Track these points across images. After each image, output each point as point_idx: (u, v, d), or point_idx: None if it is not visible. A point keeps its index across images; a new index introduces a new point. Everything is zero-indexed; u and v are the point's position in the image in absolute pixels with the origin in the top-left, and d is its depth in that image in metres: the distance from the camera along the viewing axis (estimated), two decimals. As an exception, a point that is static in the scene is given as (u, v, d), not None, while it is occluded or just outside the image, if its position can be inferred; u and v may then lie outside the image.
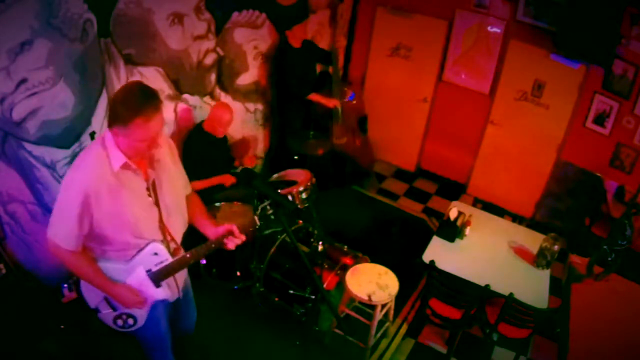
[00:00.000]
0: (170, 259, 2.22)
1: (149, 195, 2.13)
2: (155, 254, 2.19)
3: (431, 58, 5.12)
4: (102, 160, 1.99)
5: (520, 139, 4.89)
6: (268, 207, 2.35)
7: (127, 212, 2.04)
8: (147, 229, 2.14)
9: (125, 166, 2.01)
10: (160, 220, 2.19)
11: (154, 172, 2.14)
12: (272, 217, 2.38)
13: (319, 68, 5.05)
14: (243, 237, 2.26)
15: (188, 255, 2.24)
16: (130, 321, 2.32)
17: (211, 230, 2.31)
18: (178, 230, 2.31)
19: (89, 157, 2.02)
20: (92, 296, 2.26)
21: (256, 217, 2.35)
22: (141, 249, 2.16)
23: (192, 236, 2.43)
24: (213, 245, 2.25)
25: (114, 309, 2.29)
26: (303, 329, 3.48)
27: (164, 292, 2.29)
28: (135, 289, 2.20)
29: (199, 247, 2.25)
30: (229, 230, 2.23)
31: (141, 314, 2.32)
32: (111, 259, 2.16)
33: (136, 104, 1.89)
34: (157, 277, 2.23)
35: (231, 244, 2.24)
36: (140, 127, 1.90)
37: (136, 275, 2.19)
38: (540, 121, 4.70)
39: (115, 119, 1.92)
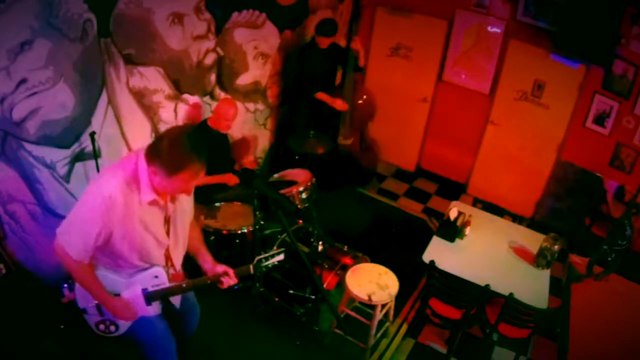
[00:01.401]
0: (167, 284, 2.27)
1: (164, 226, 2.16)
2: (156, 277, 2.24)
3: (431, 58, 5.12)
4: (132, 187, 1.96)
5: (520, 139, 4.89)
6: (264, 259, 2.42)
7: (141, 240, 2.07)
8: (154, 255, 2.18)
9: (153, 203, 2.02)
10: (167, 249, 2.23)
11: (173, 206, 2.16)
12: (268, 267, 2.47)
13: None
14: (236, 281, 2.35)
15: (184, 285, 2.32)
16: (112, 328, 2.35)
17: (209, 267, 2.38)
18: (179, 259, 2.36)
19: (120, 180, 1.95)
20: (84, 299, 2.27)
21: (251, 267, 2.40)
22: (144, 269, 2.21)
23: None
24: (209, 281, 2.34)
25: (102, 314, 2.30)
26: (303, 329, 3.48)
27: (152, 310, 2.32)
28: (129, 303, 2.22)
29: (197, 279, 2.33)
30: (226, 272, 2.33)
31: (124, 324, 2.34)
32: (114, 271, 2.19)
33: (188, 157, 1.87)
34: (151, 297, 2.26)
35: (226, 284, 2.34)
36: (184, 181, 1.92)
37: (132, 291, 2.22)
38: (540, 121, 4.70)
39: (160, 162, 1.88)
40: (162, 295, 2.29)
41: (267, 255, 2.44)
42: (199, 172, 1.94)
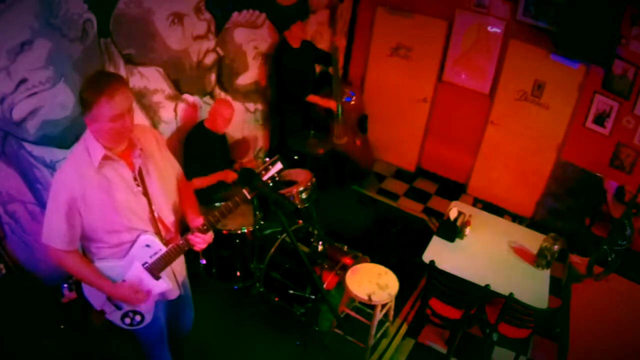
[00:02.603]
0: (164, 249, 2.20)
1: (137, 185, 2.12)
2: (148, 245, 2.18)
3: (431, 58, 5.12)
4: (83, 157, 2.01)
5: (520, 139, 4.89)
6: (263, 170, 2.21)
7: (116, 205, 2.05)
8: (137, 220, 2.13)
9: (105, 157, 2.01)
10: (151, 210, 2.17)
11: (139, 161, 2.13)
12: (268, 185, 2.20)
13: (318, 69, 5.05)
14: (210, 237, 2.23)
15: (181, 242, 2.22)
16: (138, 318, 2.32)
17: (191, 219, 2.28)
18: (170, 218, 2.29)
19: (71, 157, 2.07)
20: (96, 298, 2.27)
21: (245, 192, 2.20)
22: (133, 243, 2.16)
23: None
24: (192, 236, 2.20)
25: (119, 307, 2.29)
26: (303, 329, 3.48)
27: (165, 284, 2.28)
28: (135, 284, 2.19)
29: (186, 234, 2.23)
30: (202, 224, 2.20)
31: (147, 310, 2.32)
32: (106, 257, 2.16)
33: (98, 84, 1.92)
34: (155, 269, 2.22)
35: (198, 240, 2.20)
36: (106, 106, 1.91)
37: (134, 271, 2.19)
38: (540, 121, 4.70)
39: (84, 107, 1.95)
40: (165, 263, 2.22)
41: (264, 166, 2.22)
42: (116, 91, 1.92)
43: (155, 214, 2.19)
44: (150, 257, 2.20)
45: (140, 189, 2.13)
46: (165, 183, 2.25)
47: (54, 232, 2.04)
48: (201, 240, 2.20)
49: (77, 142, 2.12)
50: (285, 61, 4.36)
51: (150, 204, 2.16)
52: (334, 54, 4.59)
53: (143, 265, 2.20)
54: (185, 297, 2.61)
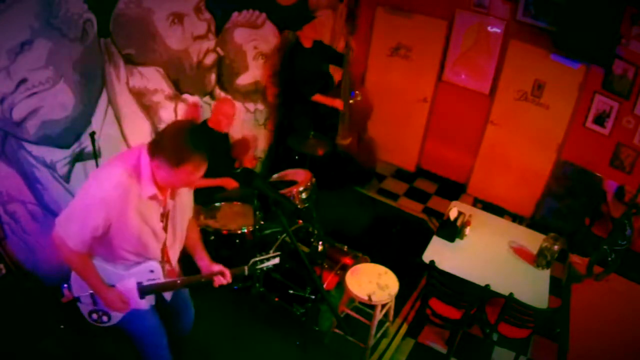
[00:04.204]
0: (162, 280, 2.28)
1: (161, 221, 2.16)
2: (151, 271, 2.24)
3: (431, 58, 5.12)
4: (133, 183, 1.98)
5: (520, 139, 4.89)
6: (259, 262, 2.42)
7: (138, 233, 2.08)
8: (151, 250, 2.19)
9: (153, 197, 2.04)
10: (164, 245, 2.24)
11: (172, 202, 2.17)
12: (263, 270, 2.47)
13: (331, 69, 5.04)
14: (230, 280, 2.36)
15: (178, 282, 2.33)
16: (105, 318, 2.35)
17: (205, 264, 2.40)
18: (176, 254, 2.37)
19: (122, 172, 1.96)
20: (79, 287, 2.27)
21: (246, 268, 2.41)
22: (140, 263, 2.21)
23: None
24: (203, 280, 2.35)
25: (95, 304, 2.31)
26: (303, 329, 3.48)
27: (145, 304, 2.33)
28: (123, 295, 2.23)
29: (191, 277, 2.35)
30: (222, 272, 2.34)
31: (116, 315, 2.35)
32: (109, 262, 2.19)
33: (191, 150, 1.90)
34: (144, 291, 2.27)
35: (218, 282, 2.35)
36: (188, 173, 1.93)
37: (127, 284, 2.22)
38: (540, 121, 4.70)
39: (164, 156, 1.91)
40: (155, 290, 2.30)
41: (262, 258, 2.44)
42: (201, 165, 1.95)
43: (167, 248, 2.26)
44: (147, 280, 2.25)
45: (162, 224, 2.17)
46: (184, 223, 2.32)
47: (76, 233, 1.99)
48: (225, 282, 2.35)
49: (128, 155, 2.02)
50: (297, 61, 4.39)
51: (166, 239, 2.23)
52: (347, 54, 4.58)
53: (137, 283, 2.24)
54: (182, 298, 2.63)
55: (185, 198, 2.28)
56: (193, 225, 2.49)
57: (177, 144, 1.91)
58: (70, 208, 2.00)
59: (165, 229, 2.19)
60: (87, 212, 1.96)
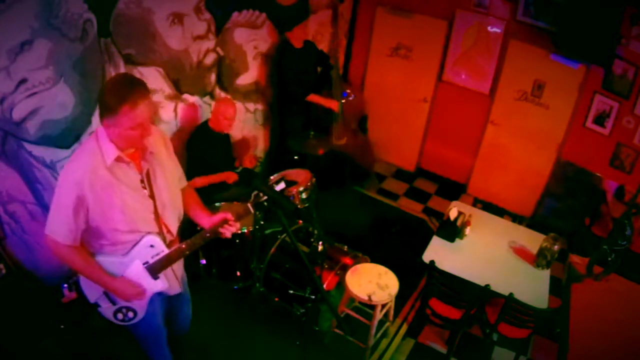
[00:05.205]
0: (166, 251, 2.23)
1: (144, 188, 2.14)
2: (152, 246, 2.20)
3: (431, 58, 5.12)
4: (95, 155, 2.01)
5: (520, 139, 4.89)
6: (261, 194, 2.29)
7: (122, 205, 2.06)
8: (142, 221, 2.15)
9: (118, 159, 2.03)
10: (156, 212, 2.20)
11: (148, 164, 2.15)
12: (266, 204, 2.30)
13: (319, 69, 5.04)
14: (238, 225, 2.29)
15: (184, 246, 2.25)
16: (130, 314, 2.33)
17: (206, 220, 2.32)
18: (173, 222, 2.31)
19: (82, 152, 2.05)
20: (92, 291, 2.27)
21: (250, 205, 2.31)
22: (137, 242, 2.18)
23: (190, 229, 2.44)
24: (208, 235, 2.26)
25: (113, 302, 2.29)
26: (303, 329, 3.48)
27: (162, 284, 2.30)
28: (134, 281, 2.20)
29: (195, 237, 2.26)
30: (224, 219, 2.25)
31: (141, 307, 2.33)
32: (108, 253, 2.17)
33: (122, 91, 1.92)
34: (155, 269, 2.23)
35: (227, 232, 2.26)
36: (128, 114, 1.92)
37: (134, 268, 2.20)
38: (540, 121, 4.70)
39: (104, 110, 1.95)
40: (165, 264, 2.25)
41: (265, 188, 2.30)
42: (137, 100, 1.92)
43: (160, 216, 2.21)
44: (152, 257, 2.21)
45: (146, 191, 2.15)
46: (171, 187, 2.28)
47: (60, 226, 2.03)
48: (234, 229, 2.27)
49: (87, 139, 2.10)
50: (287, 61, 4.35)
51: (155, 206, 2.18)
52: (333, 55, 4.57)
53: (144, 264, 2.21)
54: (183, 294, 2.62)
55: (166, 160, 2.25)
56: (189, 191, 2.46)
57: (106, 92, 1.96)
58: (51, 206, 2.07)
59: (151, 195, 2.16)
60: (62, 203, 2.01)
